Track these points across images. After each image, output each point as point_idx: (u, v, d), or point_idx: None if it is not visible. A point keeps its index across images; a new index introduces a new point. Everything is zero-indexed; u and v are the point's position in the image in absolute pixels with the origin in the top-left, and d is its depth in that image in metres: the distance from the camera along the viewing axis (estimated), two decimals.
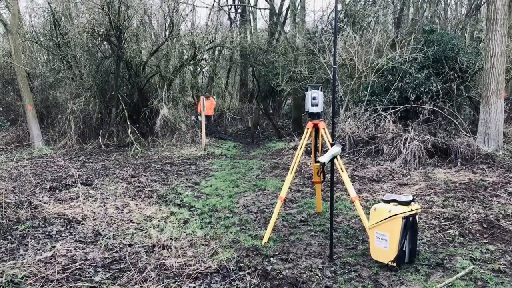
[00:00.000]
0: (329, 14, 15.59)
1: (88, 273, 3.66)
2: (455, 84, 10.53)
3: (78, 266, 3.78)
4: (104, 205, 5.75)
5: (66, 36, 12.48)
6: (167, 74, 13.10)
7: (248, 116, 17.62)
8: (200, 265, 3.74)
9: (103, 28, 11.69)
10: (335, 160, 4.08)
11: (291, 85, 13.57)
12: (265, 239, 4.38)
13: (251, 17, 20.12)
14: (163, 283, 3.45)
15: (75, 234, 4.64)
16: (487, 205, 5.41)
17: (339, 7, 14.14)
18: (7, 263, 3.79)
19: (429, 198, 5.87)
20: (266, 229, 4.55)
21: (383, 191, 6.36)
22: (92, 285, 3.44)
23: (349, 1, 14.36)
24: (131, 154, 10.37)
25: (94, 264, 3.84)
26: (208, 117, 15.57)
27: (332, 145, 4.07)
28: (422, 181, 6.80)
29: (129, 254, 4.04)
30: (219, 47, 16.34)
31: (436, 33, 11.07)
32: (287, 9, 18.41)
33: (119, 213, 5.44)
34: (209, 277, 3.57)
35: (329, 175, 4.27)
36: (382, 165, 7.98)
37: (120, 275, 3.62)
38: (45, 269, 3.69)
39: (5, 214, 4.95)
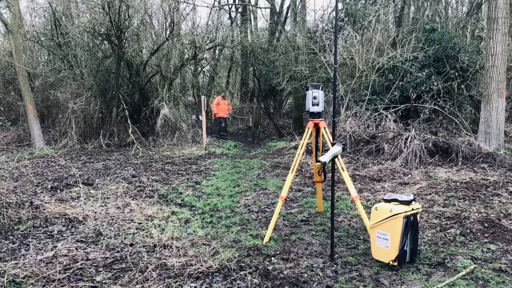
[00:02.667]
0: (330, 13, 15.59)
1: (90, 273, 3.67)
2: (456, 83, 10.52)
3: (80, 266, 3.78)
4: (105, 205, 5.76)
5: (67, 35, 12.49)
6: (168, 74, 13.10)
7: (249, 116, 17.62)
8: (201, 265, 3.75)
9: (103, 27, 11.69)
10: (336, 159, 4.08)
11: (292, 84, 13.57)
12: (266, 239, 4.39)
13: (252, 16, 20.10)
14: (164, 282, 3.45)
15: (76, 234, 4.65)
16: (488, 204, 5.41)
17: (340, 6, 14.12)
18: (9, 263, 3.80)
19: (430, 198, 5.87)
20: (267, 229, 4.56)
21: (384, 191, 6.36)
22: (93, 285, 3.45)
23: (350, 0, 14.34)
24: (132, 154, 10.38)
25: (96, 264, 3.84)
26: (223, 119, 15.11)
27: (333, 144, 4.08)
28: (423, 180, 6.79)
29: (130, 254, 4.05)
30: (219, 47, 16.35)
31: (437, 32, 11.05)
32: (288, 8, 18.41)
33: (120, 213, 5.44)
34: (210, 277, 3.58)
35: (330, 174, 4.27)
36: (383, 164, 7.97)
37: (122, 275, 3.62)
38: (47, 269, 3.70)
39: (6, 214, 4.96)
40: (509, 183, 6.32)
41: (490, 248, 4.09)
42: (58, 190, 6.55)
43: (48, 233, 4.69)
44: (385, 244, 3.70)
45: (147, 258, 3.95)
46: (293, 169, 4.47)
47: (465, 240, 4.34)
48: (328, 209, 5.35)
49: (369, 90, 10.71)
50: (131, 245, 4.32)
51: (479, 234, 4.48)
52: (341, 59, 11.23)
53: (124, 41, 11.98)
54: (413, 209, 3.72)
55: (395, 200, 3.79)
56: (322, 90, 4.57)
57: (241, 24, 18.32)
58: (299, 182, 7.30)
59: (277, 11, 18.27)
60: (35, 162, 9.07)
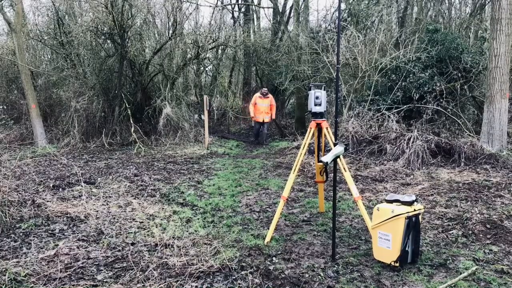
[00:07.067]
0: (333, 13, 15.55)
1: (91, 272, 3.67)
2: (459, 83, 10.49)
3: (81, 265, 3.79)
4: (107, 204, 5.76)
5: (70, 34, 12.51)
6: (171, 73, 13.11)
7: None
8: (203, 264, 3.75)
9: (106, 26, 11.71)
10: (338, 159, 4.07)
11: (294, 84, 13.55)
12: (267, 239, 4.38)
13: (255, 16, 20.10)
14: (165, 282, 3.45)
15: (78, 233, 4.65)
16: (491, 206, 5.39)
17: (343, 6, 14.10)
18: (10, 261, 3.81)
19: (432, 198, 5.85)
20: (268, 229, 4.55)
21: (386, 191, 6.35)
22: (94, 283, 3.45)
23: (353, 0, 14.31)
24: (134, 153, 10.39)
25: (97, 263, 3.85)
26: (259, 124, 12.53)
27: (335, 144, 4.07)
28: (425, 181, 6.78)
29: (131, 253, 4.05)
30: (222, 46, 16.34)
31: (440, 32, 11.03)
32: (291, 8, 18.38)
33: (121, 211, 5.45)
34: (211, 276, 3.58)
35: (332, 174, 4.26)
36: (385, 165, 7.95)
37: (123, 274, 3.63)
38: (48, 267, 3.70)
39: (8, 212, 4.97)
40: (511, 184, 6.29)
41: (492, 250, 4.08)
42: (60, 189, 6.57)
43: (50, 232, 4.70)
44: (387, 245, 3.69)
45: (148, 257, 3.95)
46: (295, 169, 4.47)
47: (467, 241, 4.32)
48: (329, 210, 5.34)
49: (371, 90, 10.69)
50: (133, 244, 4.32)
51: (481, 235, 4.46)
52: (344, 59, 11.21)
53: (127, 40, 11.99)
54: (415, 210, 3.71)
55: (397, 200, 3.78)
56: (324, 90, 4.57)
57: (243, 23, 18.31)
58: (301, 182, 7.29)
59: (280, 11, 18.26)
60: (37, 161, 9.09)
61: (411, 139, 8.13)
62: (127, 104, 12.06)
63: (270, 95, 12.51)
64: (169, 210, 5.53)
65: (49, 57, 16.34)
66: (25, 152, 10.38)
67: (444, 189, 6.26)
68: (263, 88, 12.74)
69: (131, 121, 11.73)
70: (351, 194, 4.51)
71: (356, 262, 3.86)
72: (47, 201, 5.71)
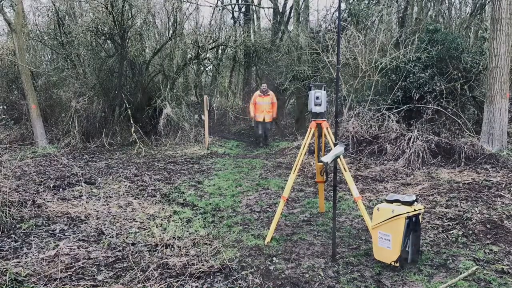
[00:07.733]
0: (333, 13, 15.53)
1: (91, 272, 3.67)
2: (459, 83, 10.49)
3: (81, 265, 3.79)
4: (107, 204, 5.76)
5: (70, 35, 12.51)
6: (171, 73, 13.10)
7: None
8: (203, 264, 3.75)
9: (106, 27, 11.71)
10: (338, 159, 4.08)
11: (295, 84, 13.55)
12: (267, 239, 4.39)
13: (255, 16, 20.08)
14: (165, 282, 3.45)
15: (78, 233, 4.66)
16: (491, 206, 5.39)
17: (343, 6, 14.09)
18: (11, 261, 3.81)
19: (433, 198, 5.85)
20: (269, 229, 4.56)
21: (386, 191, 6.35)
22: (95, 284, 3.46)
23: (353, 0, 14.31)
24: (134, 153, 10.39)
25: (97, 263, 3.85)
26: (260, 124, 12.10)
27: (335, 144, 4.07)
28: (426, 181, 6.78)
29: (132, 253, 4.05)
30: (222, 46, 16.33)
31: (440, 32, 11.02)
32: (291, 8, 18.37)
33: (122, 212, 5.45)
34: (211, 277, 3.58)
35: (332, 174, 4.26)
36: (385, 165, 7.95)
37: (123, 274, 3.63)
38: (49, 267, 3.71)
39: (9, 213, 4.98)
40: (511, 184, 6.30)
41: (493, 250, 4.08)
42: (61, 189, 6.57)
43: (50, 232, 4.70)
44: (387, 245, 3.69)
45: (149, 258, 3.95)
46: (295, 169, 4.47)
47: (467, 241, 4.32)
48: (330, 210, 5.34)
49: (371, 90, 10.69)
50: (133, 244, 4.32)
51: (481, 235, 4.46)
52: (344, 59, 11.20)
53: (127, 40, 11.99)
54: (415, 210, 3.71)
55: (397, 200, 3.79)
56: (324, 90, 4.57)
57: (244, 23, 18.31)
58: (301, 182, 7.30)
59: (280, 11, 18.24)
60: (37, 161, 9.08)
61: (411, 139, 8.12)
62: (127, 104, 12.05)
63: (270, 92, 12.08)
64: (169, 210, 5.54)
65: (49, 57, 16.34)
66: (26, 152, 10.38)
67: (444, 189, 6.26)
68: (263, 85, 12.19)
69: (131, 121, 11.73)
70: (351, 194, 4.51)
71: (356, 262, 3.87)
72: (48, 201, 5.72)
